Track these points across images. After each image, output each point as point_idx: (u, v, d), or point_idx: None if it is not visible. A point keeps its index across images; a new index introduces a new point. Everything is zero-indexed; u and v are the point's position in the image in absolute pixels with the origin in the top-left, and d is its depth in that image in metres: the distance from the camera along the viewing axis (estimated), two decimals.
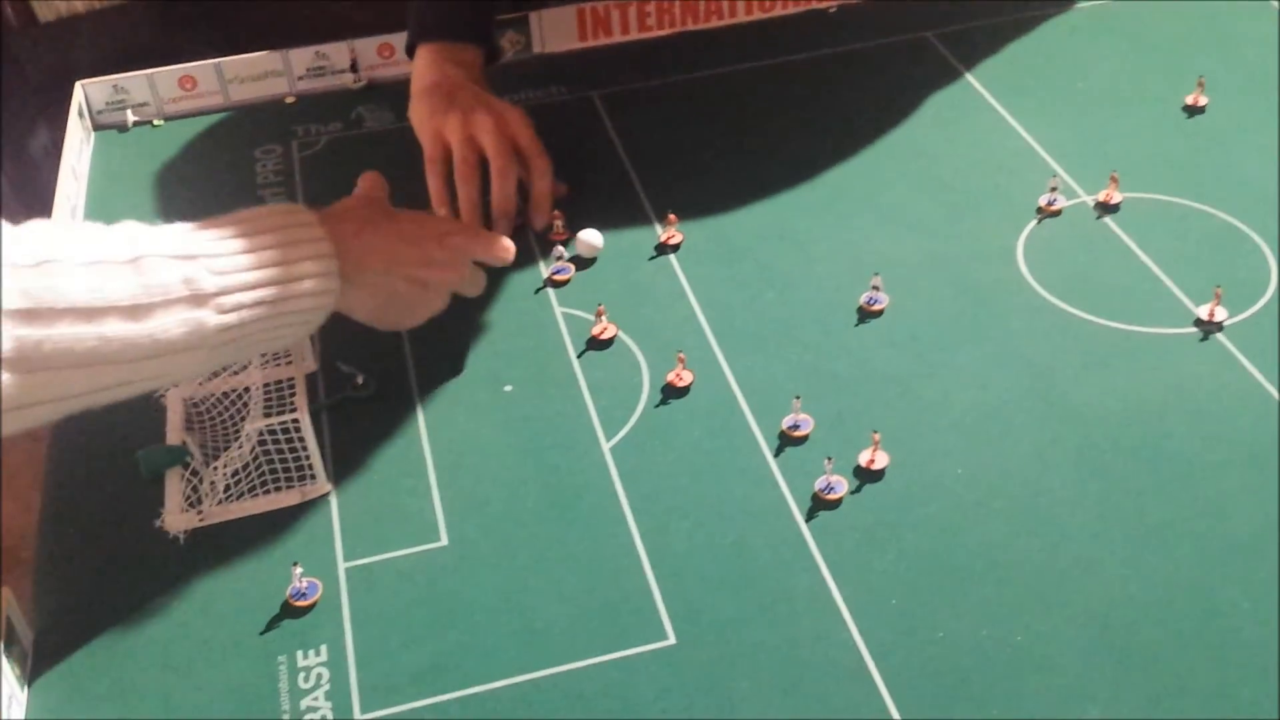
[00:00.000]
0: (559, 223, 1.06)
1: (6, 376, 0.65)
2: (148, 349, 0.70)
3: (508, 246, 0.94)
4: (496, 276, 1.02)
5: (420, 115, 1.08)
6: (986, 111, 1.19)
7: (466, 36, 1.13)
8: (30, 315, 0.65)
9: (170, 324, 0.70)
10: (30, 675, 0.75)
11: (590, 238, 1.03)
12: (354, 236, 0.82)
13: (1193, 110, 1.17)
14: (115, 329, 0.68)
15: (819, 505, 0.82)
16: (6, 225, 0.67)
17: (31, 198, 1.83)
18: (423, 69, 1.11)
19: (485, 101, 1.06)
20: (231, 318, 0.73)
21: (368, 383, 0.93)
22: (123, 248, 0.70)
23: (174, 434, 0.89)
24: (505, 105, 1.07)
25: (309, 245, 0.78)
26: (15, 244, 0.67)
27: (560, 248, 1.03)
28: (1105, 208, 1.06)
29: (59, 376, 0.67)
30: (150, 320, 0.70)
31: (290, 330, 0.78)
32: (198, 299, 0.72)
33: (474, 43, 1.13)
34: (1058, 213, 1.06)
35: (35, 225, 0.69)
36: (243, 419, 0.89)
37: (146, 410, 0.90)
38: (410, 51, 1.14)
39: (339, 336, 0.90)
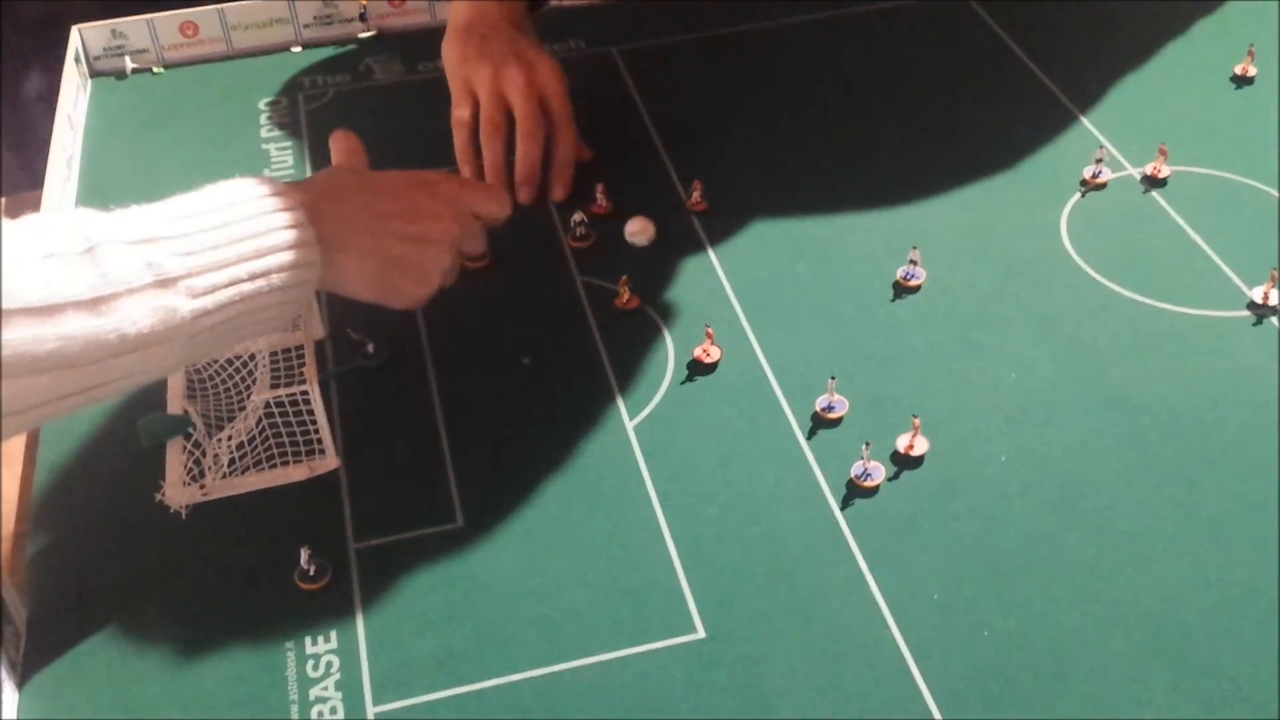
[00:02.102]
0: (601, 196, 1.00)
1: None
2: (115, 345, 0.64)
3: (505, 198, 0.88)
4: (512, 241, 0.97)
5: (451, 58, 1.03)
6: (1028, 78, 1.14)
7: None
8: None
9: (137, 315, 0.64)
10: (24, 659, 0.71)
11: (641, 227, 0.97)
12: (328, 201, 0.76)
13: (1242, 80, 1.12)
14: (76, 326, 0.62)
15: (855, 492, 0.78)
16: None
17: (25, 145, 1.78)
18: (460, 5, 1.05)
19: (519, 53, 1.00)
20: (205, 301, 0.67)
21: (378, 351, 0.88)
22: (74, 239, 0.64)
23: (175, 402, 0.84)
24: (539, 57, 1.01)
25: (281, 215, 0.72)
26: None
27: (580, 213, 0.98)
28: (1152, 181, 1.01)
29: (20, 385, 0.61)
30: (114, 313, 0.63)
31: (273, 311, 0.72)
32: (164, 284, 0.66)
33: None
34: (1103, 185, 1.01)
35: None
36: (248, 387, 0.85)
37: None
38: None
39: (347, 302, 0.84)
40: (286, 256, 0.71)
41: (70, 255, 0.63)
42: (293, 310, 0.75)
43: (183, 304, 0.66)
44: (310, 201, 0.74)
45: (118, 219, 0.67)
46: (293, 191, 0.74)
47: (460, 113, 1.01)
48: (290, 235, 0.72)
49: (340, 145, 0.87)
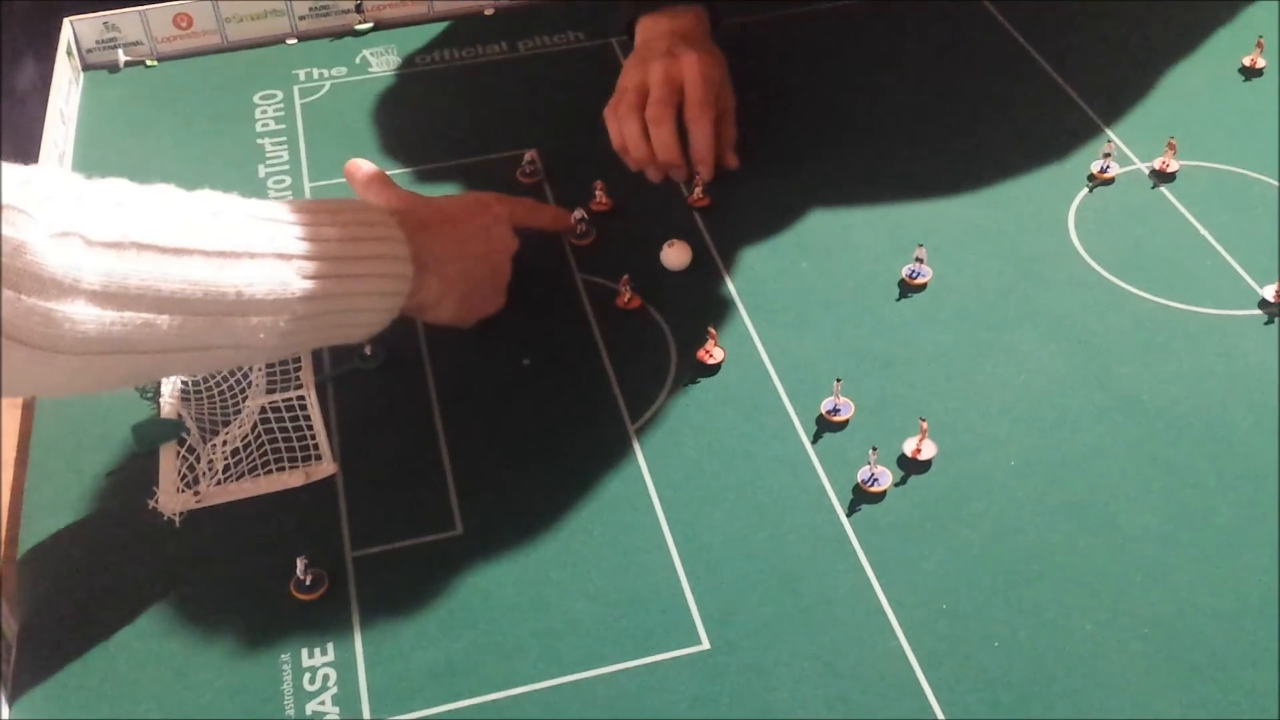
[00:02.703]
0: (600, 192, 0.99)
1: (94, 310, 0.62)
2: (232, 302, 0.67)
3: (558, 212, 0.95)
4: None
5: (622, 73, 1.05)
6: (1034, 71, 1.12)
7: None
8: (117, 248, 0.63)
9: (255, 277, 0.68)
10: (14, 671, 0.70)
11: (677, 254, 0.93)
12: (413, 231, 0.79)
13: (1250, 72, 1.10)
14: (201, 273, 0.66)
15: (861, 498, 0.77)
16: (79, 175, 0.66)
17: (18, 139, 1.75)
18: (638, 39, 1.07)
19: (669, 50, 1.01)
20: (314, 285, 0.71)
21: (375, 353, 0.87)
22: (201, 202, 0.69)
23: (169, 406, 0.83)
24: (687, 52, 1.00)
25: (383, 228, 0.77)
26: (94, 188, 0.65)
27: (580, 210, 0.96)
28: (1161, 176, 0.99)
29: (143, 319, 0.64)
30: (235, 270, 0.68)
31: (365, 316, 0.76)
32: (282, 257, 0.70)
33: (693, 2, 1.06)
34: (1111, 181, 0.99)
35: (110, 179, 0.67)
36: (242, 390, 0.83)
37: None
38: (630, 28, 1.09)
39: None
40: (386, 266, 0.76)
41: (199, 214, 0.68)
42: (380, 320, 0.78)
43: (294, 281, 0.70)
44: (405, 229, 0.78)
45: (238, 199, 0.72)
46: (390, 215, 0.78)
47: (615, 99, 1.03)
48: (390, 248, 0.76)
49: (360, 177, 0.89)
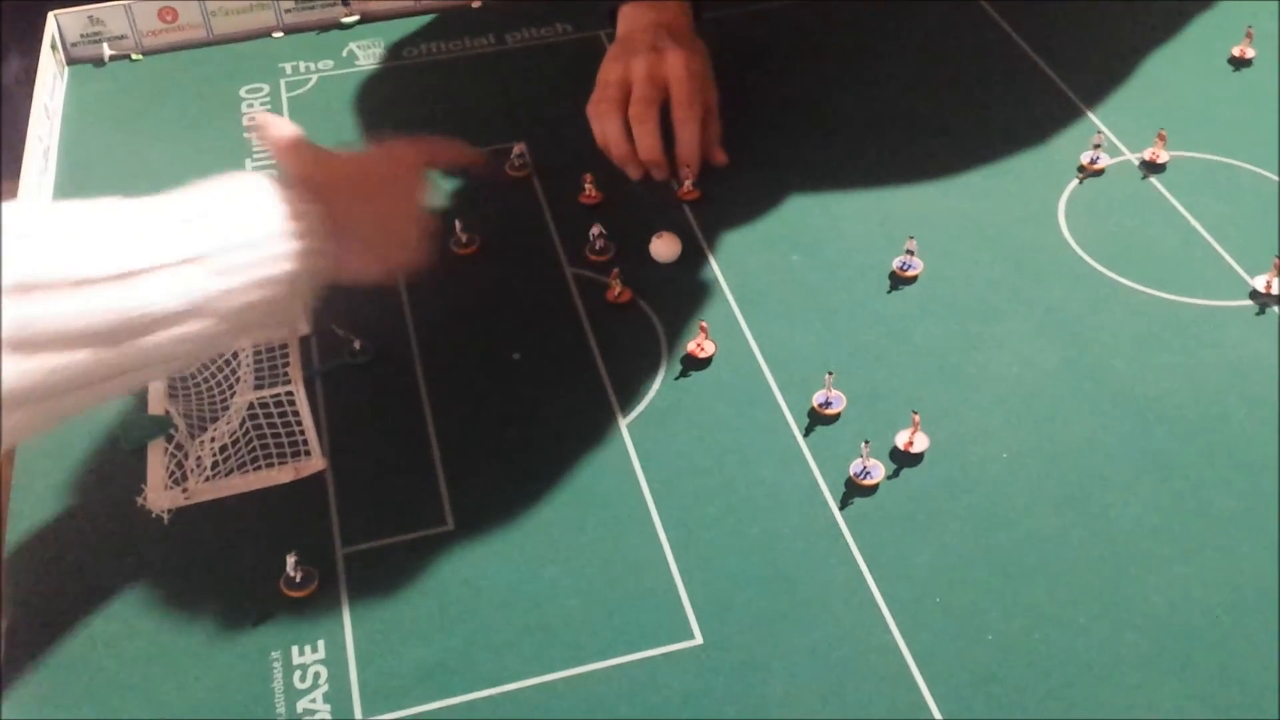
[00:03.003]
0: (590, 185, 0.98)
1: (7, 362, 0.59)
2: (146, 323, 0.64)
3: (465, 150, 0.92)
4: (502, 232, 0.95)
5: (603, 65, 1.03)
6: (1024, 63, 1.12)
7: None
8: (25, 290, 0.60)
9: (165, 290, 0.65)
10: (2, 671, 0.69)
11: (666, 246, 0.93)
12: (320, 194, 0.75)
13: (1239, 63, 1.10)
14: (108, 301, 0.62)
15: (854, 491, 0.77)
16: None
17: (3, 135, 1.74)
18: (620, 29, 1.05)
19: (653, 45, 0.99)
20: (229, 280, 0.68)
21: (365, 348, 0.86)
22: (99, 217, 0.65)
23: (157, 403, 0.82)
24: (673, 48, 0.99)
25: (288, 205, 0.72)
26: None
27: (598, 225, 0.94)
28: (1151, 167, 0.99)
29: (53, 366, 0.61)
30: (142, 288, 0.64)
31: (287, 303, 0.72)
32: (189, 260, 0.66)
33: None
34: (1101, 172, 0.99)
35: (8, 205, 0.63)
36: (230, 386, 0.82)
37: None
38: (612, 17, 1.07)
39: (332, 296, 0.82)
40: (300, 243, 0.72)
41: (97, 232, 0.64)
42: (302, 304, 0.75)
43: (208, 281, 0.67)
44: (308, 194, 0.74)
45: (137, 203, 0.68)
46: (291, 185, 0.74)
47: (597, 97, 1.01)
48: (301, 224, 0.72)
49: (278, 140, 0.82)
